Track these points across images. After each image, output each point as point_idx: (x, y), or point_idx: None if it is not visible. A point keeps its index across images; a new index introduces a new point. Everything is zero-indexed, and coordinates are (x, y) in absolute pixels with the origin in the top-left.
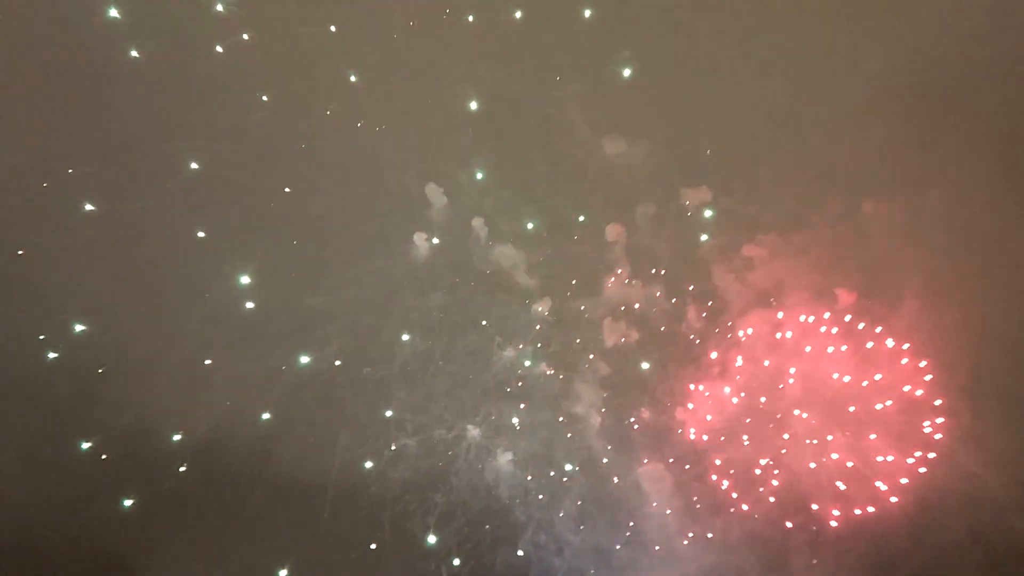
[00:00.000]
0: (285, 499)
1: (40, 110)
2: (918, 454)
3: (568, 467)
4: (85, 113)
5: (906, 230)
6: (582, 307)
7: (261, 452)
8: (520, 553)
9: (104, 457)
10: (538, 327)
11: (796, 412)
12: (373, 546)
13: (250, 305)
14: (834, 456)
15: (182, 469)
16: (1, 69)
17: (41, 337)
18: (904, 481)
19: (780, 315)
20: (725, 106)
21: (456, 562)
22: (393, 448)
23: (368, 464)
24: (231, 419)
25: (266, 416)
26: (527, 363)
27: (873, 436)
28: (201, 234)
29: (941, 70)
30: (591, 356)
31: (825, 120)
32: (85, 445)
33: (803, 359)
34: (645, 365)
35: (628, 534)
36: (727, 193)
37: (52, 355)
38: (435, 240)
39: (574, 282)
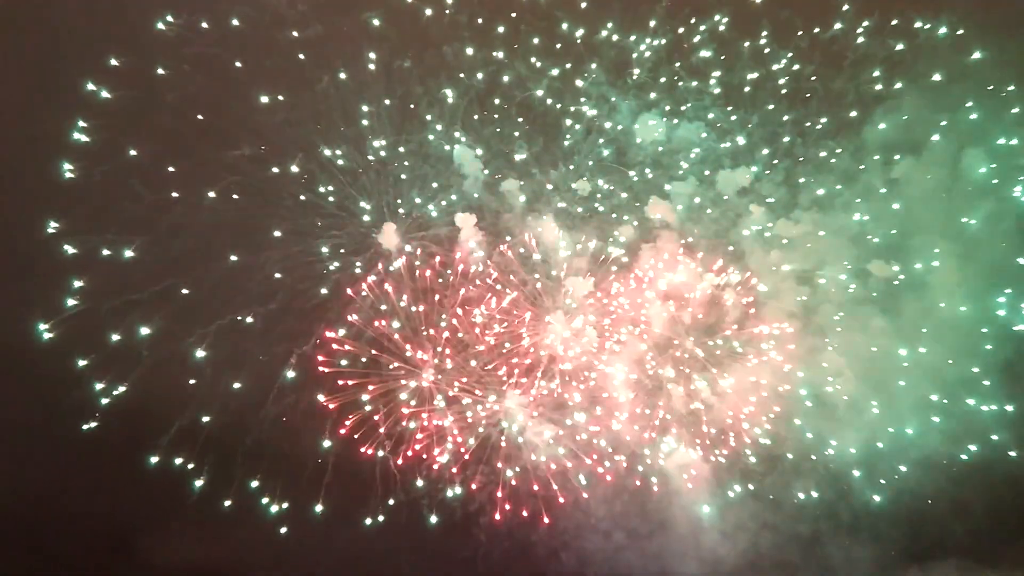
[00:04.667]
0: (296, 476)
1: None
2: None
3: (605, 447)
4: None
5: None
6: (622, 286)
7: (270, 428)
8: (554, 534)
9: (103, 436)
10: (576, 304)
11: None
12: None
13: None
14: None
15: (183, 447)
16: None
17: (37, 315)
18: None
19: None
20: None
21: (488, 541)
22: (427, 423)
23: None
24: (236, 395)
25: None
26: (565, 338)
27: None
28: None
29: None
30: (630, 335)
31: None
32: (84, 425)
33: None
34: (684, 346)
35: (662, 519)
36: (767, 172)
37: (49, 334)
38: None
39: (611, 263)
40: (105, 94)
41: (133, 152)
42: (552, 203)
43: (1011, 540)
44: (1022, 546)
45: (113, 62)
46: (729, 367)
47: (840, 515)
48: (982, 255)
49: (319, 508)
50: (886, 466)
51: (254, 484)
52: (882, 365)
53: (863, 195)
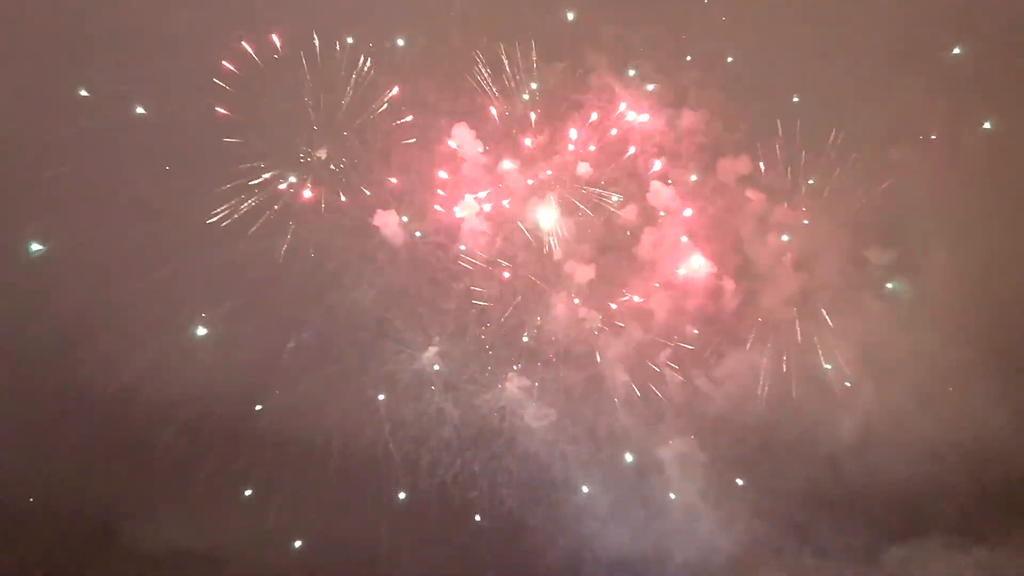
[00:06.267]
0: (284, 461)
1: None
2: None
3: (606, 434)
4: None
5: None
6: (620, 272)
7: (257, 413)
8: (553, 517)
9: (85, 419)
10: (575, 291)
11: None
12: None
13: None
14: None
15: (167, 430)
16: None
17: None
18: None
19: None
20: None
21: (488, 523)
22: (431, 406)
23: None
24: (225, 378)
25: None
26: (566, 325)
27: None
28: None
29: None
30: (636, 323)
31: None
32: (67, 406)
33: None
34: (686, 331)
35: (659, 505)
36: (766, 159)
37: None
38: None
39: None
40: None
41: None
42: (554, 187)
43: (998, 518)
44: (1008, 524)
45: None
46: (727, 354)
47: (833, 498)
48: (979, 240)
49: (315, 493)
50: (879, 449)
51: (249, 469)
52: (878, 350)
53: (862, 181)
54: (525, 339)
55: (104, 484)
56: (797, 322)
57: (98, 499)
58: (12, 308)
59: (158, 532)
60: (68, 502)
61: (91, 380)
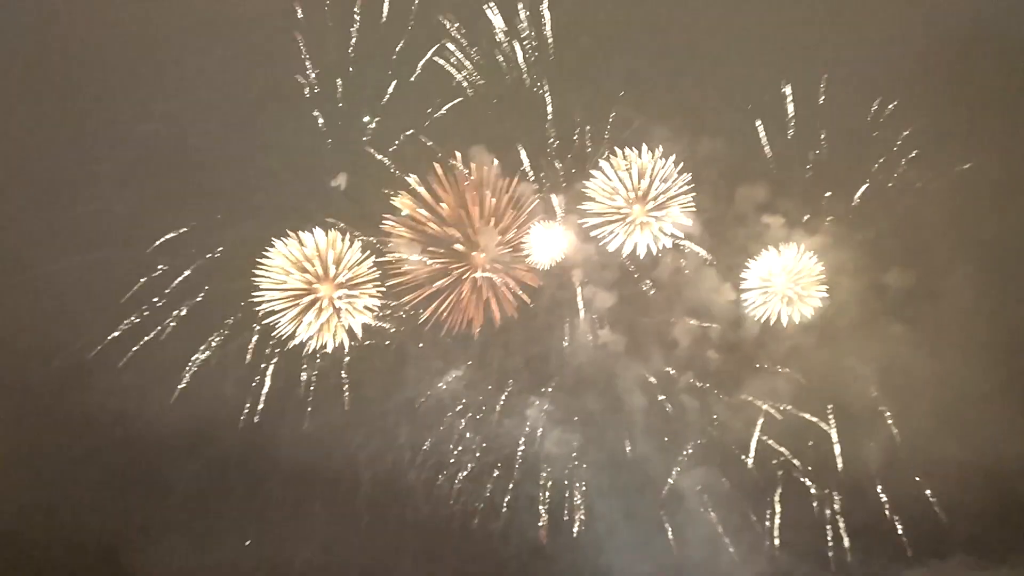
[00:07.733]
0: (302, 489)
1: None
2: None
3: (629, 456)
4: None
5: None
6: (645, 295)
7: (264, 438)
8: (574, 544)
9: (90, 445)
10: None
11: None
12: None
13: None
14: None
15: (173, 456)
16: None
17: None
18: None
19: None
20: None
21: (509, 550)
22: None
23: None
24: (233, 402)
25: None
26: (590, 352)
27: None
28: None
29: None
30: (657, 350)
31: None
32: (71, 434)
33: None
34: (709, 359)
35: (683, 530)
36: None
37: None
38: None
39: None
40: None
41: None
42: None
43: (1020, 539)
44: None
45: None
46: (746, 380)
47: (855, 521)
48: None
49: (334, 521)
50: (900, 471)
51: (268, 497)
52: (899, 373)
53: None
54: (546, 365)
55: (123, 512)
56: (817, 347)
57: (104, 528)
58: (25, 338)
59: (170, 560)
60: (73, 531)
61: (107, 409)
